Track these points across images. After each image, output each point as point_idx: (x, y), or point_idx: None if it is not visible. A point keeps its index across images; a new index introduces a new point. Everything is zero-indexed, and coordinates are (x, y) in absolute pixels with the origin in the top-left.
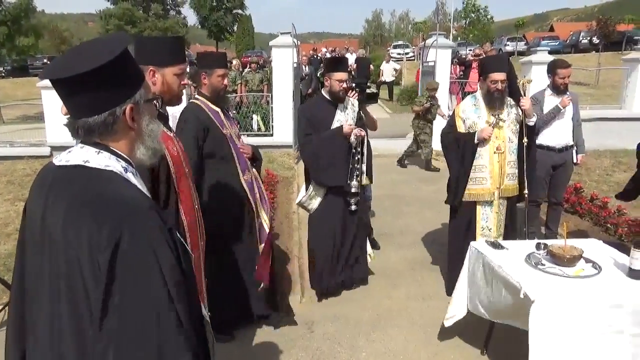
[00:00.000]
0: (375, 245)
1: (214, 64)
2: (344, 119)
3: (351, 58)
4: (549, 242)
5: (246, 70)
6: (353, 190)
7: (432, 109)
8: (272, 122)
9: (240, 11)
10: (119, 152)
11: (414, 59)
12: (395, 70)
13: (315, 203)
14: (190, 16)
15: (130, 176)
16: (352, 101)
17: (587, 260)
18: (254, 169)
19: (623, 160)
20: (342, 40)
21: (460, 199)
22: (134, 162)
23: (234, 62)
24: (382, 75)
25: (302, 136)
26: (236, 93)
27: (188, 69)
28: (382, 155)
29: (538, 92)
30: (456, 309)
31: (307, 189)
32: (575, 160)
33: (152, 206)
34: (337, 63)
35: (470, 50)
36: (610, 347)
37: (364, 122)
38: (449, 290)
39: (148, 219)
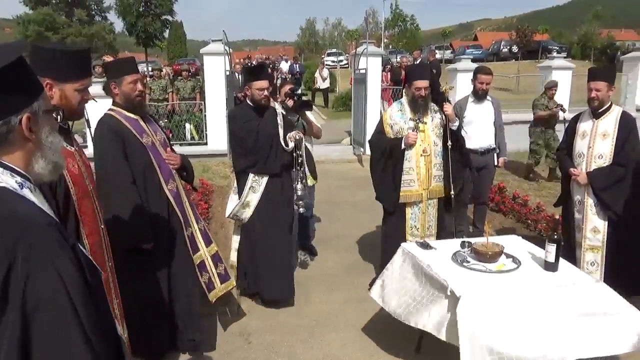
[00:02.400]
0: (313, 252)
1: (122, 72)
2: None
3: (285, 66)
4: (472, 240)
5: (178, 78)
6: (299, 193)
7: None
8: (206, 130)
9: (169, 17)
10: (14, 167)
11: (348, 67)
12: (323, 77)
13: (248, 212)
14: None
15: (27, 192)
16: (278, 108)
17: (508, 256)
18: (180, 180)
19: (541, 161)
20: (277, 48)
21: (397, 200)
22: (32, 177)
23: (164, 69)
24: (317, 82)
25: (243, 135)
26: (167, 102)
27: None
28: (319, 162)
29: (462, 98)
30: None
31: (239, 196)
32: (496, 163)
33: (51, 223)
34: (257, 72)
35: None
36: (530, 336)
37: (306, 130)
38: None
39: (45, 236)
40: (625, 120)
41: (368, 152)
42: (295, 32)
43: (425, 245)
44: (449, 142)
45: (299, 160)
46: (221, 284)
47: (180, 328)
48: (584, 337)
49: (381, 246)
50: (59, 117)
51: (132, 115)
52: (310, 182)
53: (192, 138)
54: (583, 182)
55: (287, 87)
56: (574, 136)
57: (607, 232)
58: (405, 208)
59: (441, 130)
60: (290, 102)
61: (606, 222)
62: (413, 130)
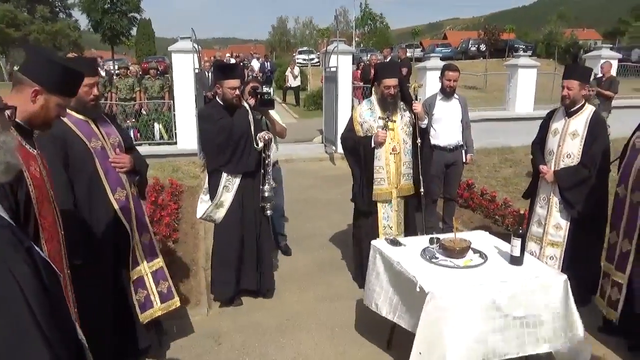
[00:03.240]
0: (287, 252)
1: None
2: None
3: (256, 64)
4: (441, 236)
5: (146, 77)
6: (266, 194)
7: None
8: (175, 130)
9: (136, 15)
10: None
11: (319, 65)
12: (294, 76)
13: (221, 212)
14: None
15: None
16: (247, 107)
17: (475, 251)
18: (134, 186)
19: (509, 157)
20: (248, 46)
21: (370, 199)
22: None
23: (132, 68)
24: (288, 80)
25: (214, 128)
26: (135, 101)
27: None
28: (290, 160)
29: (430, 96)
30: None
31: (212, 198)
32: (464, 160)
33: (3, 224)
34: (229, 70)
35: (374, 55)
36: (497, 330)
37: (270, 129)
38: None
39: None
40: (595, 121)
41: (340, 150)
42: (266, 31)
43: (395, 243)
44: (418, 140)
45: (266, 162)
46: (161, 303)
47: (126, 339)
48: (538, 331)
49: (354, 246)
50: (11, 114)
51: (81, 118)
52: (272, 185)
53: (161, 138)
54: (550, 180)
55: (249, 86)
56: (547, 132)
57: (569, 230)
58: (376, 207)
59: (410, 129)
60: (252, 101)
61: (569, 221)
62: (382, 129)
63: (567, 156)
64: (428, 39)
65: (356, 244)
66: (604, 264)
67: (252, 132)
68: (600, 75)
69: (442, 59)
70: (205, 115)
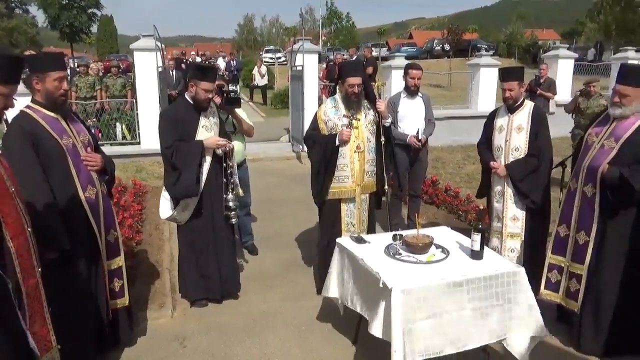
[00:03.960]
0: (253, 251)
1: (48, 67)
2: (209, 124)
3: (222, 62)
4: (404, 232)
5: (107, 75)
6: (230, 204)
7: None
8: (138, 129)
9: (96, 11)
10: None
11: (286, 64)
12: (261, 74)
13: (186, 215)
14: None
15: None
16: (213, 106)
17: (437, 246)
18: (103, 184)
19: (472, 154)
20: (214, 44)
21: (325, 197)
22: None
23: (92, 66)
24: (255, 79)
25: (168, 141)
26: (95, 99)
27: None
28: (258, 159)
29: (395, 94)
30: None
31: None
32: (418, 138)
33: None
34: (206, 71)
35: (343, 54)
36: (459, 322)
37: (237, 128)
38: (319, 287)
39: None
40: (537, 114)
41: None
42: (233, 29)
43: (359, 240)
44: (382, 138)
45: (229, 172)
46: (111, 300)
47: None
48: (497, 322)
49: (318, 244)
50: None
51: (51, 114)
52: (240, 192)
53: (124, 138)
54: (502, 174)
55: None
56: (492, 131)
57: (526, 220)
58: (340, 204)
59: (374, 127)
60: (218, 100)
61: (524, 211)
62: (347, 127)
63: (515, 150)
64: (394, 38)
65: (321, 243)
66: (552, 257)
67: (216, 133)
68: (538, 76)
69: (407, 58)
70: (164, 117)
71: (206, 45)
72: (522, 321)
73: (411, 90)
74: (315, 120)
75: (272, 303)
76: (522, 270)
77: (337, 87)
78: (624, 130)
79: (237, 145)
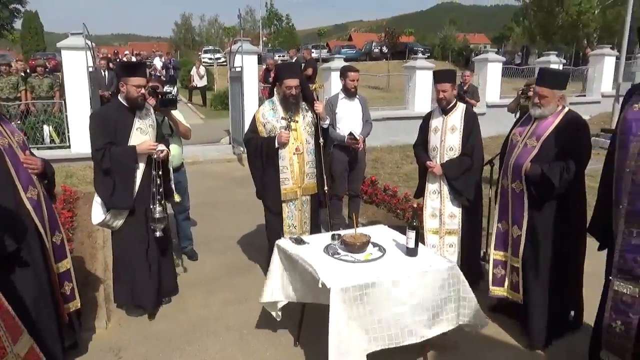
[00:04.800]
0: (193, 257)
1: None
2: (144, 126)
3: (159, 62)
4: (342, 232)
5: (32, 75)
6: (157, 215)
7: None
8: (68, 132)
9: (19, 6)
10: None
11: (226, 64)
12: (200, 75)
13: (120, 220)
14: None
15: None
16: (149, 107)
17: (375, 245)
18: (42, 187)
19: (409, 154)
20: (150, 44)
21: (278, 198)
22: None
23: (14, 65)
24: (193, 80)
25: (99, 144)
26: (19, 100)
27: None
28: (197, 162)
29: (332, 96)
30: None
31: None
32: (356, 137)
33: None
34: (134, 67)
35: (281, 55)
36: (396, 319)
37: (173, 131)
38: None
39: None
40: (469, 115)
41: None
42: (170, 28)
43: (298, 241)
44: (321, 140)
45: (157, 182)
46: (64, 304)
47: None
48: (434, 316)
49: (269, 246)
50: None
51: None
52: (177, 198)
53: (52, 141)
54: (438, 173)
55: (148, 85)
56: (427, 132)
57: (462, 216)
58: (281, 206)
59: (312, 129)
60: (152, 101)
61: (460, 208)
62: (285, 129)
63: (449, 149)
64: (334, 40)
65: (269, 244)
66: (495, 252)
67: (153, 136)
68: (462, 82)
69: (347, 59)
70: (94, 119)
71: (142, 44)
72: (458, 313)
73: (350, 92)
74: (253, 123)
75: (213, 308)
76: (455, 264)
77: (275, 89)
78: (544, 129)
79: (174, 148)
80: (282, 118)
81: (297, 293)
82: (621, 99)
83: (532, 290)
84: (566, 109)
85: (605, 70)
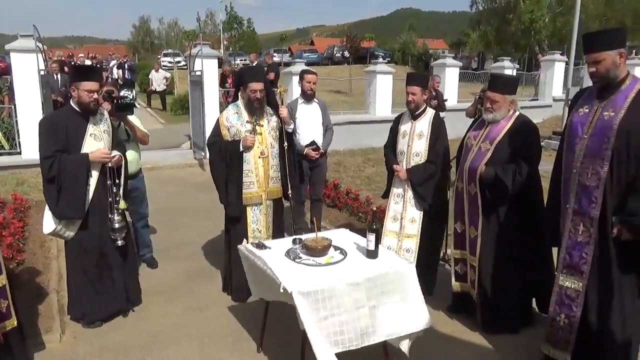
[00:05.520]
0: (152, 264)
1: None
2: (98, 132)
3: (115, 65)
4: (304, 236)
5: None
6: (117, 225)
7: None
8: (18, 138)
9: None
10: None
11: (186, 68)
12: (167, 79)
13: (73, 229)
14: None
15: None
16: (104, 112)
17: (336, 248)
18: None
19: (371, 157)
20: (107, 47)
21: (241, 203)
22: None
23: None
24: (152, 84)
25: (48, 151)
26: None
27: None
28: (157, 168)
29: (292, 100)
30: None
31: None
32: (318, 146)
33: None
34: (86, 71)
35: (243, 59)
36: (359, 321)
37: (130, 136)
38: (228, 294)
39: None
40: (437, 122)
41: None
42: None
43: (260, 246)
44: (285, 144)
45: (114, 190)
46: None
47: None
48: (394, 317)
49: (225, 252)
50: None
51: None
52: (122, 205)
53: (1, 147)
54: (403, 177)
55: (103, 90)
56: (397, 135)
57: (423, 222)
58: (246, 211)
59: (277, 133)
60: (107, 106)
61: (422, 213)
62: (250, 133)
63: (415, 155)
64: (296, 44)
65: (226, 251)
66: (455, 251)
67: (108, 143)
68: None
69: (309, 64)
70: (44, 124)
71: (98, 47)
72: (412, 314)
73: (308, 95)
74: (217, 127)
75: (173, 316)
76: (413, 267)
77: (240, 94)
78: (496, 133)
79: (131, 154)
80: (247, 122)
81: (265, 294)
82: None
83: (488, 286)
84: (517, 113)
85: (555, 76)
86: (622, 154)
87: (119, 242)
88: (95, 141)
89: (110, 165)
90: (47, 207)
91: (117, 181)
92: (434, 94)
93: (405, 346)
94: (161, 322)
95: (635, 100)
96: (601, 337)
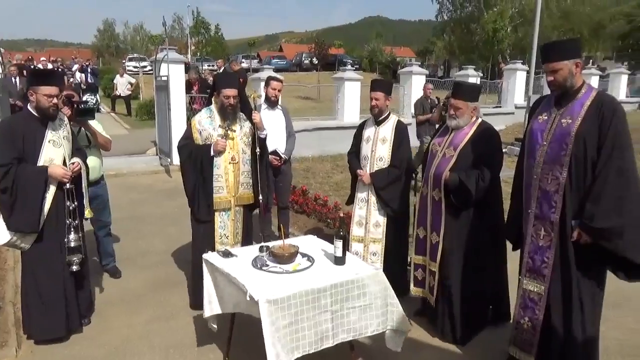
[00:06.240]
0: (115, 274)
1: None
2: (57, 138)
3: (78, 70)
4: (271, 244)
5: None
6: (72, 244)
7: None
8: None
9: None
10: None
11: (152, 73)
12: (131, 84)
13: (30, 240)
14: None
15: None
16: (64, 118)
17: (303, 255)
18: None
19: (340, 164)
20: (70, 50)
21: (210, 207)
22: None
23: None
24: (117, 89)
25: (2, 159)
26: None
27: None
28: (121, 175)
29: (257, 105)
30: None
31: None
32: (280, 154)
33: None
34: (45, 75)
35: (211, 65)
36: (319, 326)
37: (91, 142)
38: (194, 303)
39: None
40: (399, 128)
41: (175, 161)
42: (92, 34)
43: (226, 254)
44: (257, 150)
45: (70, 208)
46: None
47: None
48: (359, 321)
49: (192, 259)
50: None
51: None
52: (88, 214)
53: None
54: (367, 181)
55: (63, 94)
56: (361, 141)
57: (387, 226)
58: (214, 216)
59: (249, 139)
60: (67, 111)
61: (385, 217)
62: (222, 138)
63: (379, 160)
64: (265, 51)
65: (194, 257)
66: (414, 257)
67: (68, 151)
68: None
69: (278, 70)
70: (2, 129)
71: (60, 50)
72: (385, 318)
73: (272, 101)
74: (189, 129)
75: (137, 327)
76: (381, 271)
77: (213, 99)
78: (460, 139)
79: (92, 160)
80: (220, 126)
81: (229, 305)
82: None
83: (448, 292)
84: (480, 120)
85: (517, 84)
86: (580, 160)
87: (74, 267)
88: (55, 147)
89: (67, 187)
90: (0, 217)
91: (75, 202)
92: (436, 102)
93: (393, 345)
94: (124, 334)
95: (591, 108)
96: (563, 338)
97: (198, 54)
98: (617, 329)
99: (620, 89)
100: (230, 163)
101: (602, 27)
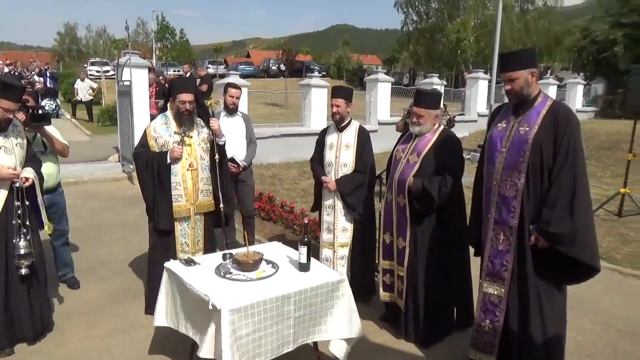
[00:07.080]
0: (74, 285)
1: None
2: (10, 145)
3: (36, 74)
4: (234, 251)
5: None
6: (22, 252)
7: None
8: None
9: None
10: None
11: (115, 77)
12: (93, 89)
13: None
14: None
15: None
16: (18, 124)
17: (268, 262)
18: None
19: (307, 170)
20: (28, 53)
21: (169, 216)
22: None
23: None
24: (78, 94)
25: None
26: None
27: None
28: (81, 182)
29: (215, 113)
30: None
31: None
32: (238, 162)
33: None
34: (5, 88)
35: (176, 70)
36: (281, 332)
37: (47, 148)
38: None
39: None
40: (362, 133)
41: None
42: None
43: (189, 262)
44: (217, 157)
45: (19, 212)
46: None
47: None
48: (313, 327)
49: (148, 267)
50: None
51: None
52: (47, 229)
53: None
54: (333, 188)
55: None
56: (323, 147)
57: (354, 230)
58: (173, 224)
59: (208, 145)
60: (21, 116)
61: (352, 222)
62: (178, 144)
63: (344, 165)
64: (232, 57)
65: (151, 267)
66: (383, 262)
67: (20, 157)
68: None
69: (244, 76)
70: None
71: (18, 53)
72: (344, 324)
73: (230, 109)
74: (144, 137)
75: (96, 340)
76: (344, 277)
77: (168, 104)
78: (423, 146)
79: (48, 166)
80: (175, 132)
81: (184, 320)
82: None
83: (415, 296)
84: (442, 127)
85: (480, 92)
86: (536, 166)
87: (23, 271)
88: (7, 154)
89: (17, 185)
90: None
91: (25, 202)
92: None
93: (339, 352)
94: (82, 347)
95: (547, 116)
96: (523, 340)
97: (164, 58)
98: (574, 330)
99: (576, 98)
100: (188, 170)
101: (560, 40)
